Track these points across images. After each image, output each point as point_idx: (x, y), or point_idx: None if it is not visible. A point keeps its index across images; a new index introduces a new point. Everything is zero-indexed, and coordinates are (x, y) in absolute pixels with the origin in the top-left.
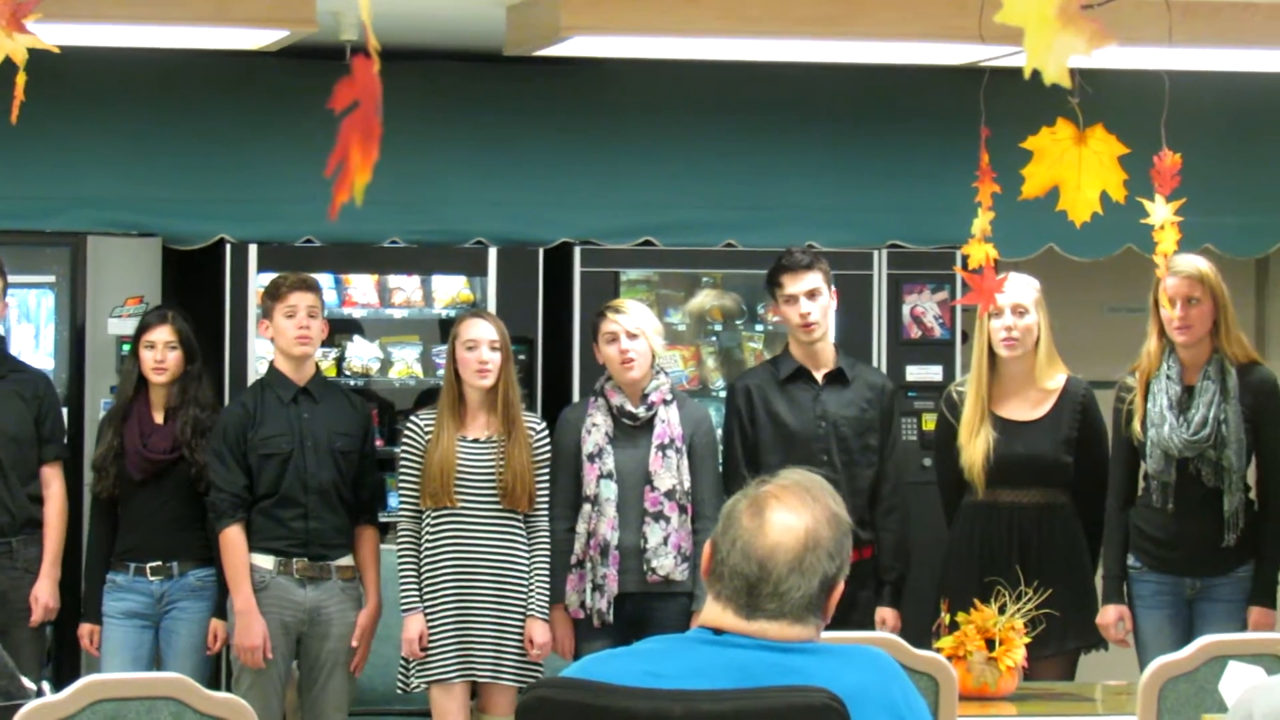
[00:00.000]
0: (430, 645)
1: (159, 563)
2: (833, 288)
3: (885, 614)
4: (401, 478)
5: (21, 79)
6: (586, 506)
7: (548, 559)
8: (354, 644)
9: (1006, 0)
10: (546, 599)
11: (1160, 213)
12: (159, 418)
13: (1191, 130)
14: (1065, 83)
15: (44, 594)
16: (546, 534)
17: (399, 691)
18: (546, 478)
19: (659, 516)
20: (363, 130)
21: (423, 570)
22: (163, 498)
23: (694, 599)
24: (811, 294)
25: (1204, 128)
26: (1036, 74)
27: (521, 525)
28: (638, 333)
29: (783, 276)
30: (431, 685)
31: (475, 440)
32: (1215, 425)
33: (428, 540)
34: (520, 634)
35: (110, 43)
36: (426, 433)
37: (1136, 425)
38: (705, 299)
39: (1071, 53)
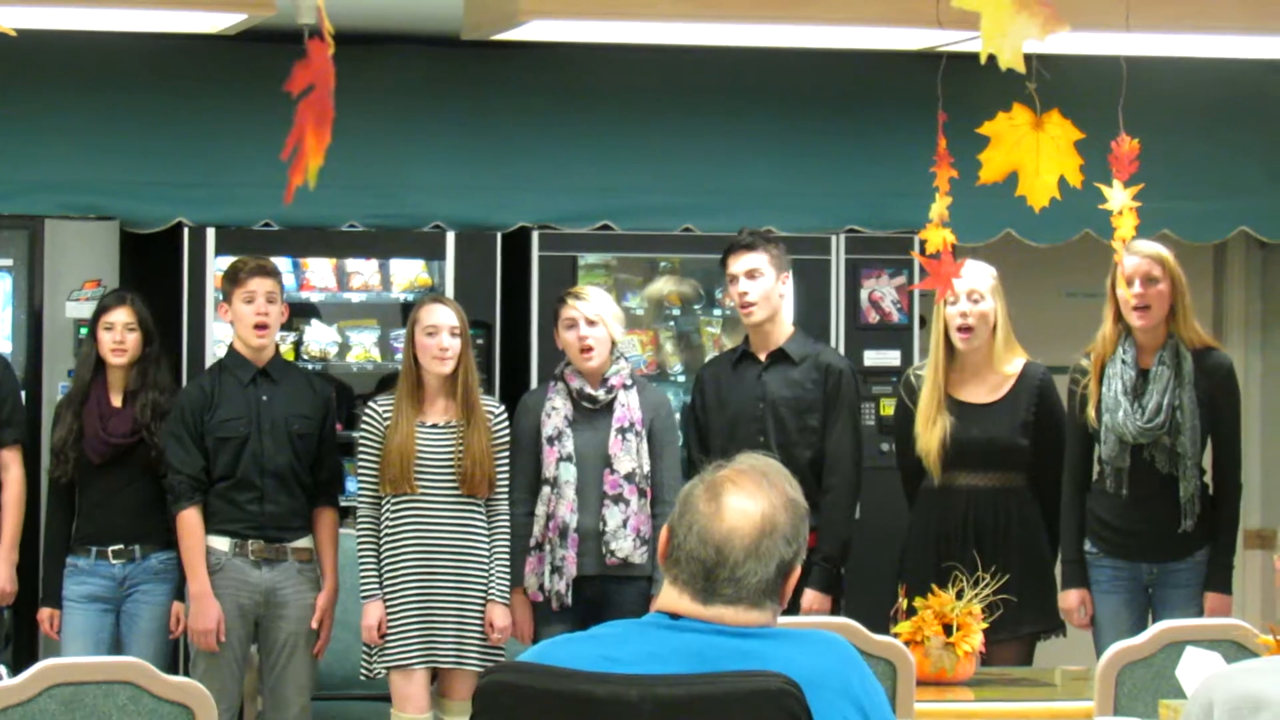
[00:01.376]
0: (392, 631)
1: (121, 546)
2: (785, 271)
3: (810, 596)
4: (360, 464)
5: None
6: (546, 489)
7: (508, 543)
8: (314, 625)
9: None
10: (507, 583)
11: (1118, 198)
12: (117, 401)
13: (1150, 116)
14: (1020, 67)
15: (0, 578)
16: (506, 518)
17: (361, 678)
18: (506, 463)
19: (618, 499)
20: (317, 114)
21: (383, 557)
22: (123, 481)
23: (653, 583)
24: (751, 274)
25: (1163, 113)
26: (994, 60)
27: (481, 510)
28: (597, 320)
29: (728, 256)
30: (393, 671)
31: (434, 426)
32: (1170, 411)
33: (388, 527)
34: (481, 618)
35: (68, 25)
36: (385, 419)
37: (1091, 410)
38: (663, 284)
39: (1026, 37)
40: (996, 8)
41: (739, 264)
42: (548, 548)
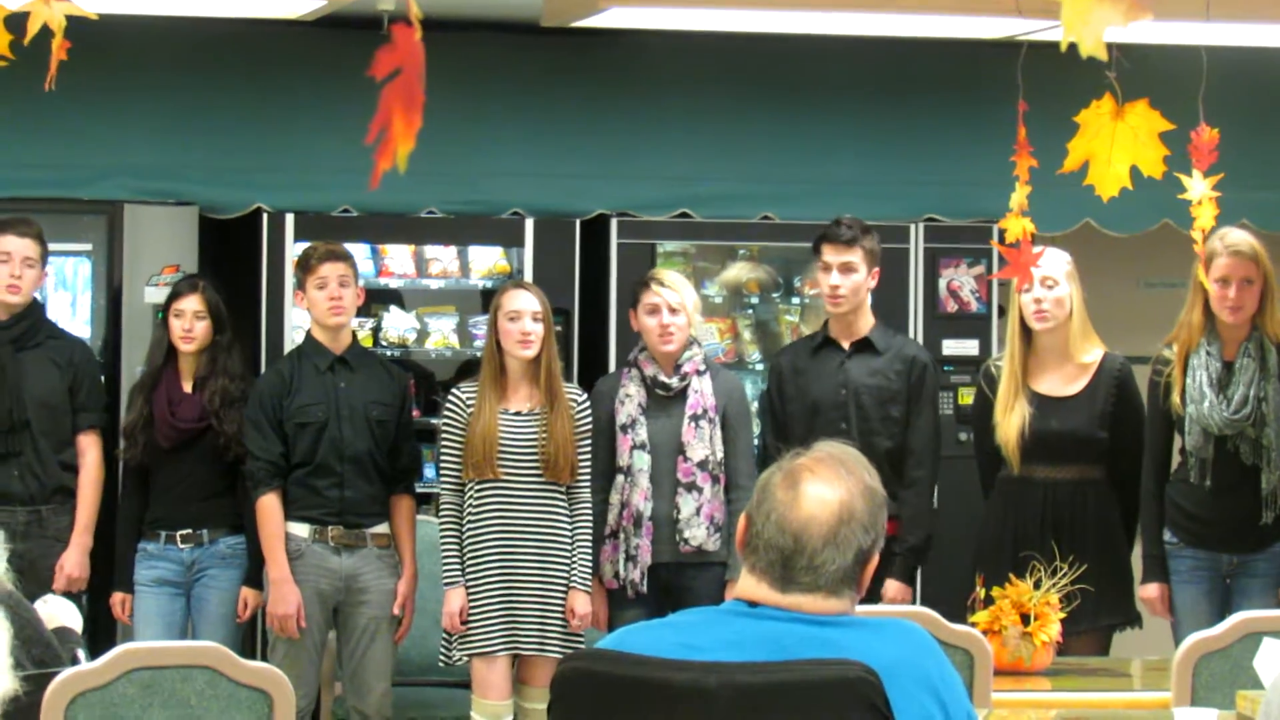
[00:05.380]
0: (474, 618)
1: (189, 530)
2: (876, 266)
3: (891, 587)
4: (444, 450)
5: (58, 43)
6: (620, 477)
7: (590, 530)
8: (396, 611)
9: None
10: (589, 570)
11: (1198, 188)
12: (188, 387)
13: (1229, 106)
14: (1101, 55)
15: (70, 563)
16: (589, 505)
17: (441, 664)
18: (588, 449)
19: (691, 487)
20: (405, 98)
21: (466, 543)
22: (191, 466)
23: (728, 568)
24: (845, 267)
25: (1241, 103)
26: (1074, 48)
27: (564, 497)
28: (679, 307)
29: (824, 244)
30: (475, 657)
31: (517, 413)
32: (1255, 404)
33: (471, 513)
34: (563, 605)
35: (149, 10)
36: (468, 405)
37: (1176, 398)
38: (741, 271)
39: (1108, 25)
40: None
41: (836, 256)
42: (622, 536)
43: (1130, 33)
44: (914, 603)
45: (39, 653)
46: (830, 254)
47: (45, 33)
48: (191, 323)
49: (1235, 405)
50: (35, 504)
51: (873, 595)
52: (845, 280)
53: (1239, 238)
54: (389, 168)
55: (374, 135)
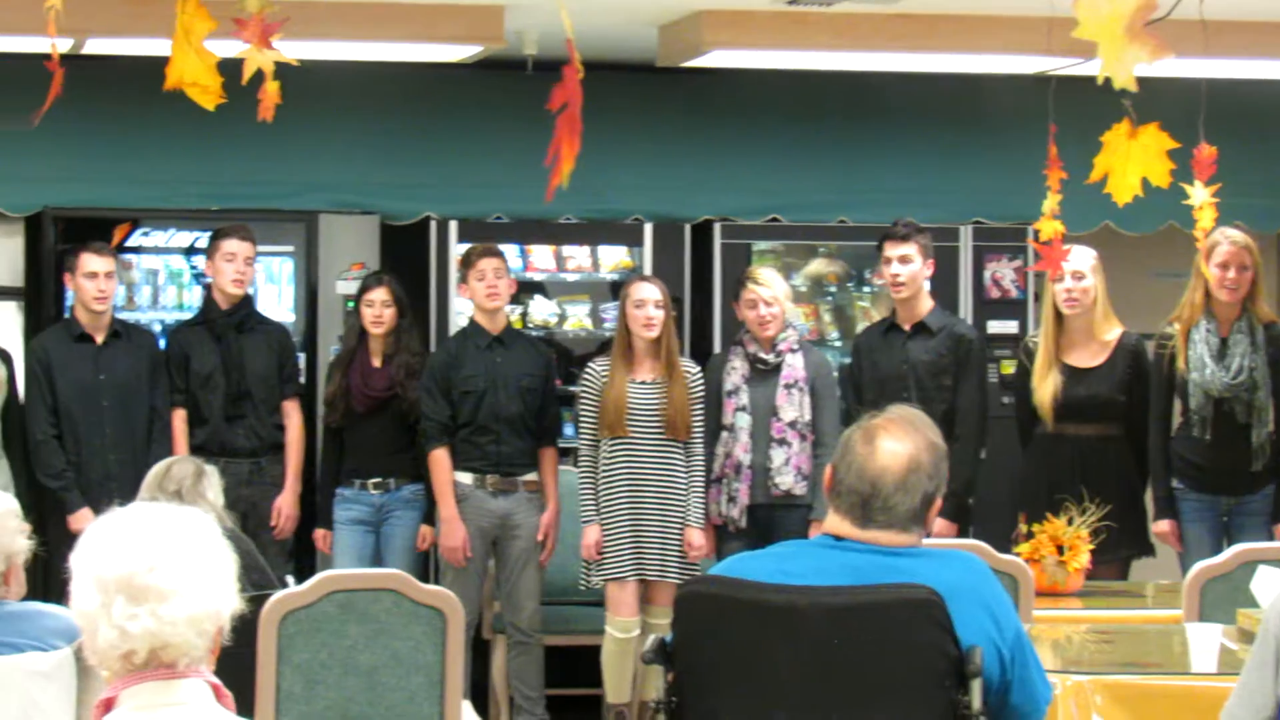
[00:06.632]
0: (608, 549)
1: (379, 479)
2: (929, 258)
3: (939, 524)
4: (581, 413)
5: (273, 86)
6: (724, 433)
7: (704, 478)
8: (540, 538)
9: (1082, 20)
10: (703, 511)
11: (1199, 195)
12: (377, 362)
13: (1224, 127)
14: (1133, 87)
15: (286, 505)
16: (701, 458)
17: (580, 587)
18: (701, 412)
19: (782, 442)
20: (570, 127)
21: (600, 489)
22: (380, 426)
23: (812, 509)
24: (903, 259)
25: (1235, 125)
26: (1092, 79)
27: (681, 451)
28: (773, 301)
29: (886, 242)
30: (609, 582)
31: (643, 382)
32: (1249, 372)
33: (604, 464)
34: (681, 539)
35: (339, 57)
36: (602, 376)
37: (1181, 364)
38: (820, 265)
39: (1138, 62)
40: (1113, 38)
41: (894, 250)
42: (724, 481)
43: (1154, 68)
44: (965, 537)
45: (257, 577)
46: (890, 249)
47: (256, 75)
48: (380, 310)
49: (1234, 372)
50: (256, 456)
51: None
52: (904, 269)
53: (1236, 233)
54: (559, 183)
55: (550, 158)
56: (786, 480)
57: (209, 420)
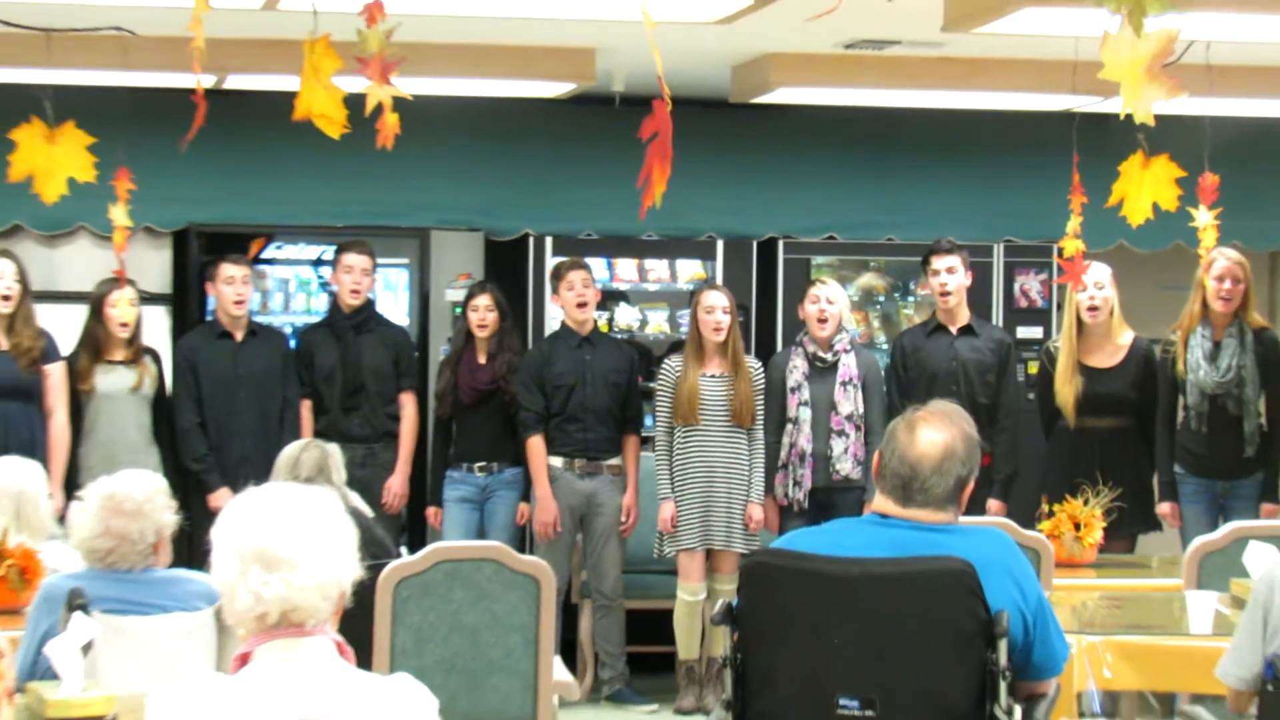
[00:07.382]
0: (680, 523)
1: (484, 463)
2: (968, 270)
3: (993, 504)
4: (658, 404)
5: (393, 118)
6: (789, 425)
7: (764, 460)
8: (623, 517)
9: (1107, 61)
10: (763, 489)
11: (1203, 218)
12: (482, 360)
13: (1226, 158)
14: (1151, 122)
15: (396, 484)
16: (762, 443)
17: (655, 556)
18: (763, 402)
19: (841, 433)
20: (661, 154)
21: (674, 469)
22: (485, 417)
23: (865, 491)
24: (950, 270)
25: (1235, 156)
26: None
27: (744, 437)
28: (834, 301)
29: (932, 257)
30: (680, 552)
31: (712, 376)
32: (1237, 370)
33: (678, 448)
34: (744, 514)
35: (449, 92)
36: (676, 372)
37: (1180, 366)
38: (870, 278)
39: (1157, 99)
40: (1134, 79)
41: (941, 263)
42: (790, 467)
43: (1171, 106)
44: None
45: (375, 549)
46: (937, 262)
47: (377, 107)
48: (484, 315)
49: (1223, 371)
50: (369, 442)
51: (973, 512)
52: (951, 279)
53: (1232, 251)
54: (651, 204)
55: (641, 180)
56: (845, 466)
57: (329, 410)
